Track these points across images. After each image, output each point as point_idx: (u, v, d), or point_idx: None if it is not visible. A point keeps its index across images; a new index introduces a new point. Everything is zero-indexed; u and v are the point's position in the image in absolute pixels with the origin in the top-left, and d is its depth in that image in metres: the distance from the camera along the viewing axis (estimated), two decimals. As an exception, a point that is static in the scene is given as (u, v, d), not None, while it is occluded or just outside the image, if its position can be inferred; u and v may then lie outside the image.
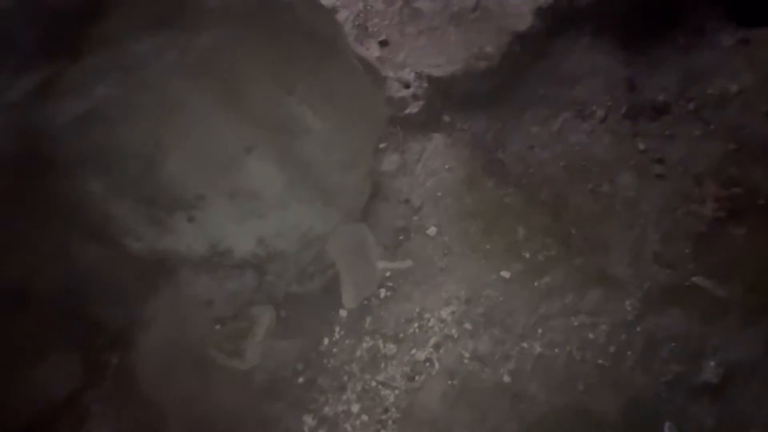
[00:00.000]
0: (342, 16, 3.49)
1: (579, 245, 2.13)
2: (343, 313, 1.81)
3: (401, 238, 2.10)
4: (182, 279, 1.74)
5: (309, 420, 1.58)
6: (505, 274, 1.91)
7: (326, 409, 1.59)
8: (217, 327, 1.68)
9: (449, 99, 2.97)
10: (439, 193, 2.28)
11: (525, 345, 1.74)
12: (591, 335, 1.79)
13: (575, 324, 1.80)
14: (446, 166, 2.45)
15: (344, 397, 1.63)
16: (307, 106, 1.85)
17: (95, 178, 1.52)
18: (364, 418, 1.57)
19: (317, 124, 1.89)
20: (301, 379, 1.66)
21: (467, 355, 1.68)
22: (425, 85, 2.82)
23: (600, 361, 1.71)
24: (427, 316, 1.79)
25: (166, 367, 1.61)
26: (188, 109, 1.60)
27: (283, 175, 1.83)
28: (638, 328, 1.79)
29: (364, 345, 1.73)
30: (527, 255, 2.00)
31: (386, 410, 1.57)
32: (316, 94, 1.86)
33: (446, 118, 2.90)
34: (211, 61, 1.64)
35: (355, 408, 1.60)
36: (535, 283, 1.89)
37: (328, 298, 1.84)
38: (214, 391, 1.60)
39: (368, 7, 3.51)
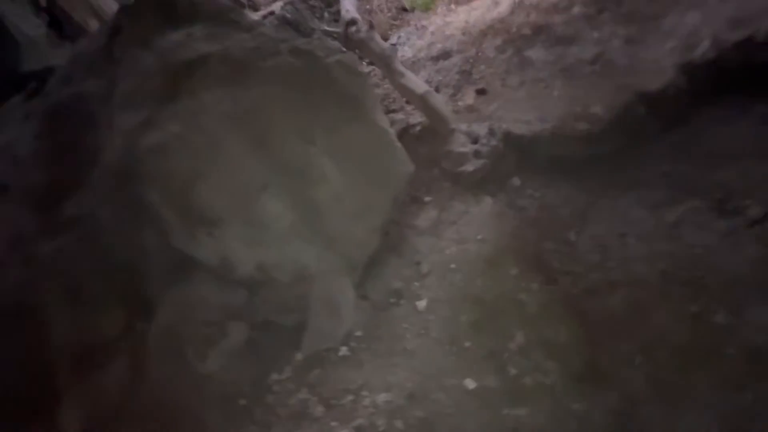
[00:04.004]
0: (453, 61, 3.52)
1: (619, 387, 1.59)
2: (299, 356, 1.88)
3: (391, 300, 2.02)
4: (197, 279, 2.13)
5: (234, 441, 1.72)
6: (470, 384, 1.61)
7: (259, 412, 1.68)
8: (202, 329, 2.00)
9: (527, 161, 2.64)
10: (453, 266, 2.08)
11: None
12: None
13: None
14: (478, 236, 2.20)
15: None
16: (327, 157, 2.01)
17: (154, 190, 2.05)
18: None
19: (334, 174, 2.03)
20: (242, 401, 1.82)
21: (383, 456, 1.51)
22: (494, 142, 2.59)
23: None
24: (364, 393, 1.68)
25: (162, 344, 2.02)
26: (225, 148, 1.98)
27: (291, 214, 2.04)
28: None
29: (300, 396, 1.75)
30: (512, 371, 1.63)
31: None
32: (336, 147, 2.00)
33: (515, 182, 2.59)
34: (252, 112, 1.98)
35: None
36: (504, 411, 1.53)
37: (294, 336, 1.94)
38: (180, 380, 1.91)
39: (479, 54, 3.44)
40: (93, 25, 3.55)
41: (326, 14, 3.84)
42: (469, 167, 2.50)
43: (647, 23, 2.79)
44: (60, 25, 3.63)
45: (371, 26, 3.12)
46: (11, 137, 2.60)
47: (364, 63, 3.45)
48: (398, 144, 2.03)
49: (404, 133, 2.93)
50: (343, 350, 1.85)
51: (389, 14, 4.61)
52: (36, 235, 2.27)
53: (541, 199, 2.47)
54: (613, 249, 2.23)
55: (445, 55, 3.61)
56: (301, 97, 1.95)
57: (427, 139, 2.84)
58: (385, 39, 3.94)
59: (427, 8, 4.60)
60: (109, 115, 2.21)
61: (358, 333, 1.90)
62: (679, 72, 2.51)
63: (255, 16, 3.15)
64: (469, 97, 3.17)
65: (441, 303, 1.90)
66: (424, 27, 4.24)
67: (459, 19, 3.93)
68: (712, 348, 1.75)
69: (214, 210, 2.01)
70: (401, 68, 2.96)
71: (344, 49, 2.10)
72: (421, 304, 1.92)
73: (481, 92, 3.10)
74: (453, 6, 4.35)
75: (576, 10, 3.10)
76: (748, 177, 2.25)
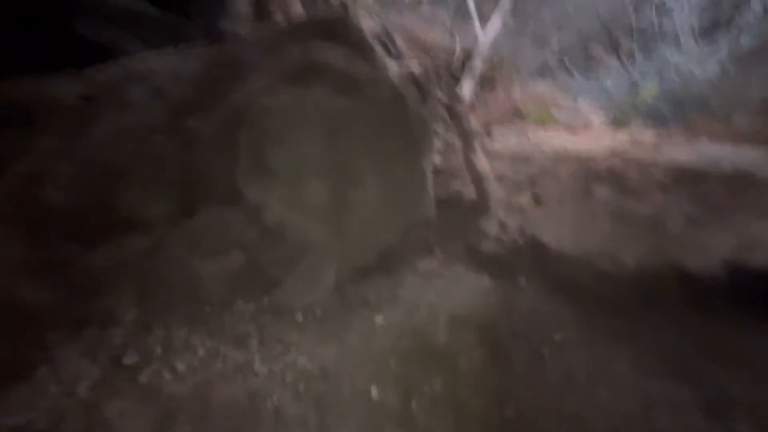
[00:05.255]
0: (529, 167, 3.86)
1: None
2: (266, 299, 2.20)
3: (358, 304, 2.26)
4: (236, 208, 2.60)
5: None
6: (374, 392, 1.76)
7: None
8: (216, 242, 2.44)
9: (540, 269, 2.77)
10: (422, 308, 2.27)
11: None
12: None
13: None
14: (459, 299, 2.38)
15: (209, 343, 2.00)
16: (372, 171, 2.45)
17: (247, 133, 2.64)
18: (198, 355, 1.89)
19: (371, 187, 2.44)
20: (208, 309, 2.17)
21: (274, 402, 1.72)
22: (518, 239, 2.79)
23: None
24: (293, 350, 1.92)
25: (185, 237, 2.49)
26: (306, 129, 2.53)
27: (326, 199, 2.47)
28: None
29: (248, 327, 2.05)
30: (414, 404, 1.75)
31: (207, 368, 1.84)
32: (382, 168, 2.43)
33: (521, 281, 2.73)
34: (338, 113, 2.53)
35: (200, 351, 1.95)
36: (385, 426, 1.65)
37: (271, 284, 2.27)
38: (180, 269, 2.34)
39: (554, 171, 3.73)
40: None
41: (446, 85, 4.49)
42: (485, 248, 2.72)
43: (716, 212, 2.85)
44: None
45: (471, 108, 3.64)
46: (182, 65, 3.52)
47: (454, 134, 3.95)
48: (430, 191, 2.38)
49: (452, 201, 3.27)
50: (299, 315, 2.12)
51: (503, 112, 5.15)
52: (159, 129, 3.02)
53: (535, 304, 2.56)
54: (577, 383, 2.21)
55: (525, 160, 3.96)
56: (377, 120, 2.45)
57: (468, 212, 3.15)
58: (487, 128, 4.45)
59: (540, 121, 5.08)
60: (249, 74, 2.94)
61: (318, 311, 2.16)
62: (723, 267, 2.51)
63: (392, 62, 3.90)
64: (523, 199, 3.44)
65: (394, 326, 2.09)
66: (524, 133, 4.68)
67: (560, 140, 4.29)
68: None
69: (274, 168, 2.52)
70: (477, 148, 3.38)
71: (431, 110, 2.58)
72: (379, 318, 2.14)
73: (536, 199, 3.35)
74: (562, 130, 4.76)
75: (656, 172, 3.28)
76: (755, 394, 2.13)
